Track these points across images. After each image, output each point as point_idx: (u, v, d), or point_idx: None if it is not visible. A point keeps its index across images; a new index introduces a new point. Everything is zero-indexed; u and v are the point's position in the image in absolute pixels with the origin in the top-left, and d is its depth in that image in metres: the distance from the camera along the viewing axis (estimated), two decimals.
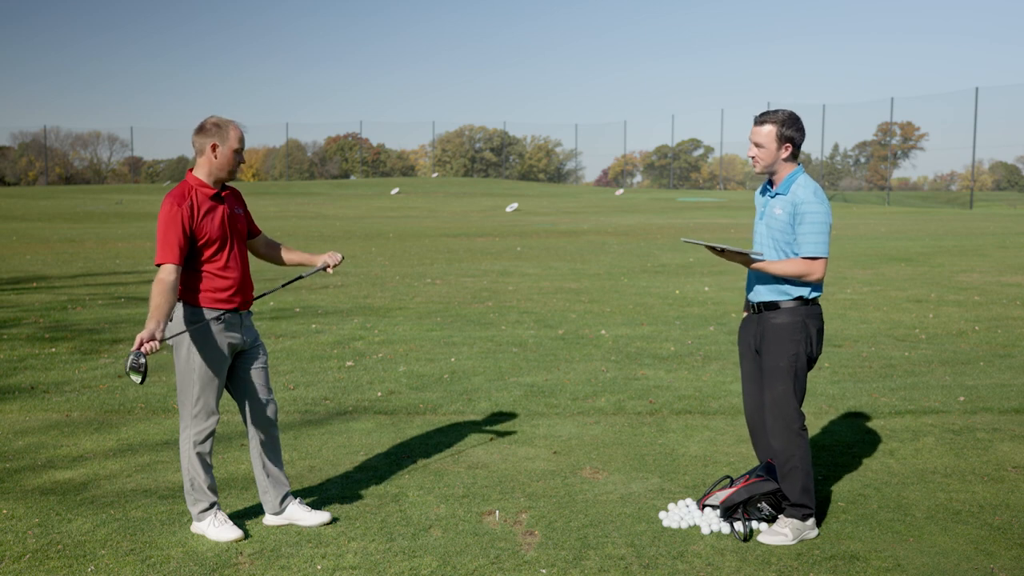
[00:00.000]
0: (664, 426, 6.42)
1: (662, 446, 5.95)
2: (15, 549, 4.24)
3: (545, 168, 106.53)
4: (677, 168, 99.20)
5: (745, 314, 4.74)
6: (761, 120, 4.49)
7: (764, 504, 4.55)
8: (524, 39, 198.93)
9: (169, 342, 4.35)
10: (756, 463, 5.44)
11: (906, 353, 9.03)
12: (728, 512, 4.55)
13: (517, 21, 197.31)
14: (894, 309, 12.05)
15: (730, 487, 4.67)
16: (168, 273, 4.18)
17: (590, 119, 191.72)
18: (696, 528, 4.55)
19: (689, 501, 4.82)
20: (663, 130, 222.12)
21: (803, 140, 4.48)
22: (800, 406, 4.51)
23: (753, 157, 4.52)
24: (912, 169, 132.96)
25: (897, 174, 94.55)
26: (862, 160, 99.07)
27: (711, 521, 4.56)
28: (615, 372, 8.11)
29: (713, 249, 4.43)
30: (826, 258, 4.37)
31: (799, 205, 4.39)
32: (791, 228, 4.42)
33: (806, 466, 4.48)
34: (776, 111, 4.48)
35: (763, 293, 4.54)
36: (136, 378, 4.02)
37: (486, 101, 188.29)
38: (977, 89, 51.63)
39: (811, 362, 4.54)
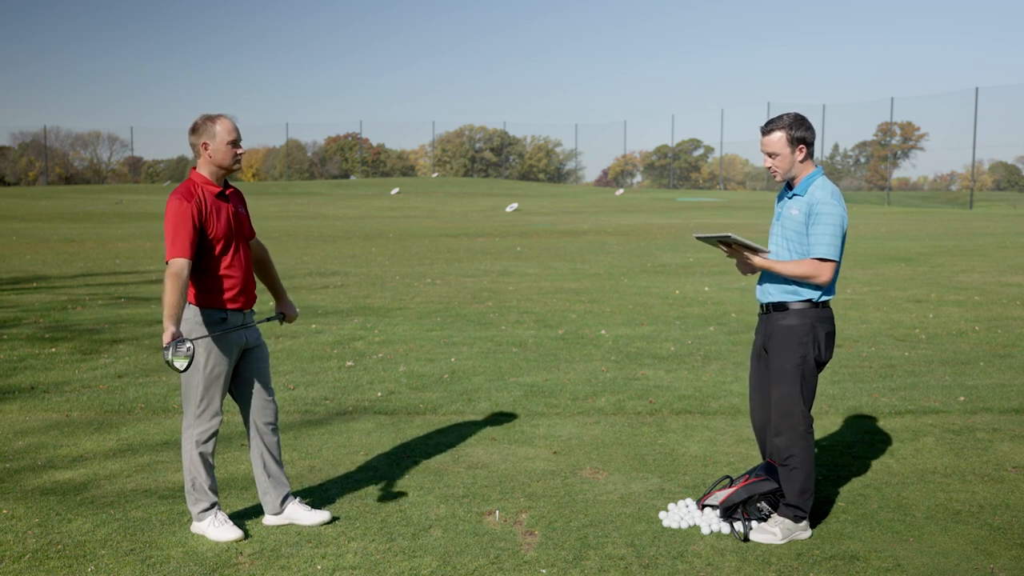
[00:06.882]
0: (664, 426, 6.42)
1: (662, 446, 5.95)
2: (15, 549, 4.24)
3: (545, 168, 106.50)
4: (677, 168, 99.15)
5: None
6: (768, 129, 4.40)
7: (763, 504, 4.56)
8: (524, 39, 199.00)
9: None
10: (756, 462, 5.43)
11: (906, 353, 9.03)
12: (728, 512, 4.55)
13: (517, 21, 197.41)
14: (894, 309, 12.05)
15: (730, 487, 4.67)
16: (181, 268, 4.17)
17: (590, 119, 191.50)
18: (696, 528, 4.55)
19: (689, 501, 4.82)
20: (663, 130, 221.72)
21: (815, 139, 4.40)
22: (809, 409, 4.46)
23: (770, 168, 4.44)
24: (912, 169, 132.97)
25: (897, 174, 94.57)
26: (862, 160, 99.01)
27: (711, 521, 4.56)
28: (615, 372, 8.11)
29: (722, 242, 4.39)
30: (836, 261, 4.29)
31: (815, 205, 4.32)
32: (806, 228, 4.35)
33: (807, 468, 4.44)
34: (781, 116, 4.40)
35: (772, 293, 4.49)
36: (181, 364, 3.95)
37: (486, 101, 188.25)
38: (977, 89, 51.61)
39: (820, 365, 4.48)
